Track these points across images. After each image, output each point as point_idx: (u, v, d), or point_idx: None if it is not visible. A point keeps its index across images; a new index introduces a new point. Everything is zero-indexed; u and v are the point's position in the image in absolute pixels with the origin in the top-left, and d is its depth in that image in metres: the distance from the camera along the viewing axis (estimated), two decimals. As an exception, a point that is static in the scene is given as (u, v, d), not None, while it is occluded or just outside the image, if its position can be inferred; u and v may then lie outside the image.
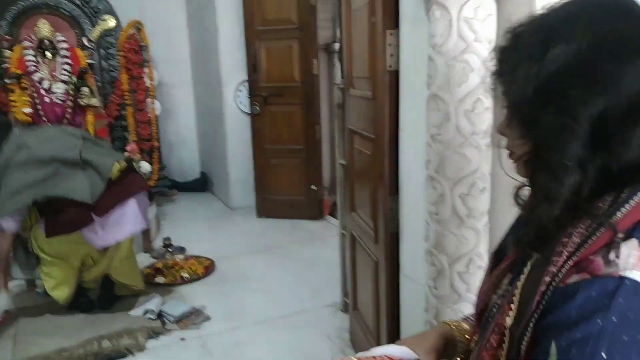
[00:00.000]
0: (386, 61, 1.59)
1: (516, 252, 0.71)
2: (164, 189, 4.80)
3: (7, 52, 3.41)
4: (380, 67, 1.63)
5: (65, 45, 3.44)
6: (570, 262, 0.58)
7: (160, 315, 2.69)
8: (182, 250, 3.61)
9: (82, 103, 3.51)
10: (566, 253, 0.59)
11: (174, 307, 2.75)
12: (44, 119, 3.42)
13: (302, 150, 4.22)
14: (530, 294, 0.61)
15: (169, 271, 3.23)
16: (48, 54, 3.32)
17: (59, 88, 3.38)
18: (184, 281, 3.14)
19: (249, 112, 4.30)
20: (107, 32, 3.91)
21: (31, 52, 3.32)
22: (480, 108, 1.16)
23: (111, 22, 3.89)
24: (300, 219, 4.23)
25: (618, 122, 0.56)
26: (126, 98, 3.97)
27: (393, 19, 1.56)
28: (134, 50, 3.92)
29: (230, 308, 2.84)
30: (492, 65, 0.67)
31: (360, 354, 0.84)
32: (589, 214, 0.59)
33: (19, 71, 3.29)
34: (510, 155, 0.69)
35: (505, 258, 0.74)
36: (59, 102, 3.41)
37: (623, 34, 0.57)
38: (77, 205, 2.42)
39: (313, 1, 3.89)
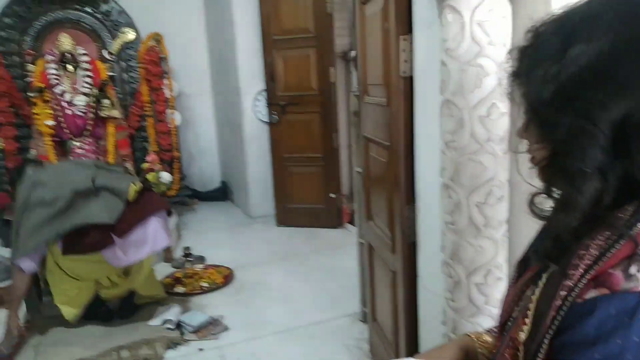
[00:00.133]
0: (400, 67, 1.56)
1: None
2: (185, 198, 4.83)
3: (31, 66, 3.49)
4: (394, 73, 1.61)
5: (86, 58, 3.52)
6: (588, 276, 0.54)
7: (179, 325, 2.69)
8: (201, 259, 3.62)
9: (103, 115, 3.57)
10: (583, 266, 0.55)
11: (193, 317, 2.74)
12: (66, 130, 3.49)
13: (321, 158, 4.20)
14: (545, 308, 0.59)
15: (188, 281, 3.24)
16: (69, 67, 3.39)
17: (80, 100, 3.45)
18: (203, 291, 3.15)
19: (267, 121, 4.31)
20: (127, 45, 3.99)
21: (53, 65, 3.40)
22: (495, 114, 1.12)
23: (131, 35, 3.96)
24: (319, 228, 4.21)
25: None
26: (146, 109, 4.03)
27: (406, 25, 1.53)
28: (154, 62, 3.99)
29: (248, 318, 2.83)
30: (509, 66, 0.64)
31: None
32: (608, 225, 0.56)
33: (41, 84, 3.37)
34: (532, 160, 0.66)
35: (530, 268, 0.71)
36: (81, 114, 3.48)
37: None
38: (97, 228, 2.42)
39: (329, 9, 3.88)
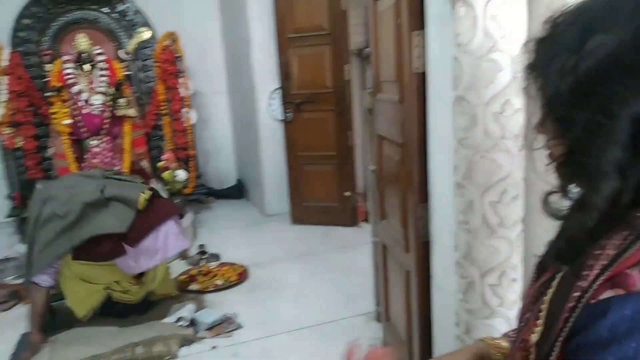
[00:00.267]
0: (413, 63, 1.53)
1: None
2: (201, 196, 4.86)
3: (49, 66, 3.54)
4: (407, 69, 1.58)
5: (102, 57, 3.55)
6: (603, 277, 0.52)
7: (192, 323, 2.70)
8: (216, 257, 3.63)
9: (120, 114, 3.60)
10: (598, 267, 0.53)
11: (206, 314, 2.75)
12: (83, 129, 3.53)
13: (335, 156, 4.18)
14: (557, 310, 0.56)
15: (203, 278, 3.25)
16: (86, 66, 3.43)
17: (97, 99, 3.48)
18: (217, 288, 3.15)
19: (282, 119, 4.30)
20: (143, 44, 4.01)
21: (70, 65, 3.43)
22: (509, 110, 1.09)
23: (147, 34, 3.99)
24: (334, 226, 4.19)
25: None
26: (162, 108, 4.06)
27: (419, 20, 1.49)
28: (170, 61, 4.01)
29: (262, 316, 2.83)
30: (525, 58, 0.61)
31: None
32: (626, 224, 0.53)
33: (59, 84, 3.41)
34: (549, 156, 0.63)
35: (548, 269, 0.68)
36: (97, 113, 3.51)
37: None
38: (109, 237, 2.43)
39: (344, 6, 3.85)
